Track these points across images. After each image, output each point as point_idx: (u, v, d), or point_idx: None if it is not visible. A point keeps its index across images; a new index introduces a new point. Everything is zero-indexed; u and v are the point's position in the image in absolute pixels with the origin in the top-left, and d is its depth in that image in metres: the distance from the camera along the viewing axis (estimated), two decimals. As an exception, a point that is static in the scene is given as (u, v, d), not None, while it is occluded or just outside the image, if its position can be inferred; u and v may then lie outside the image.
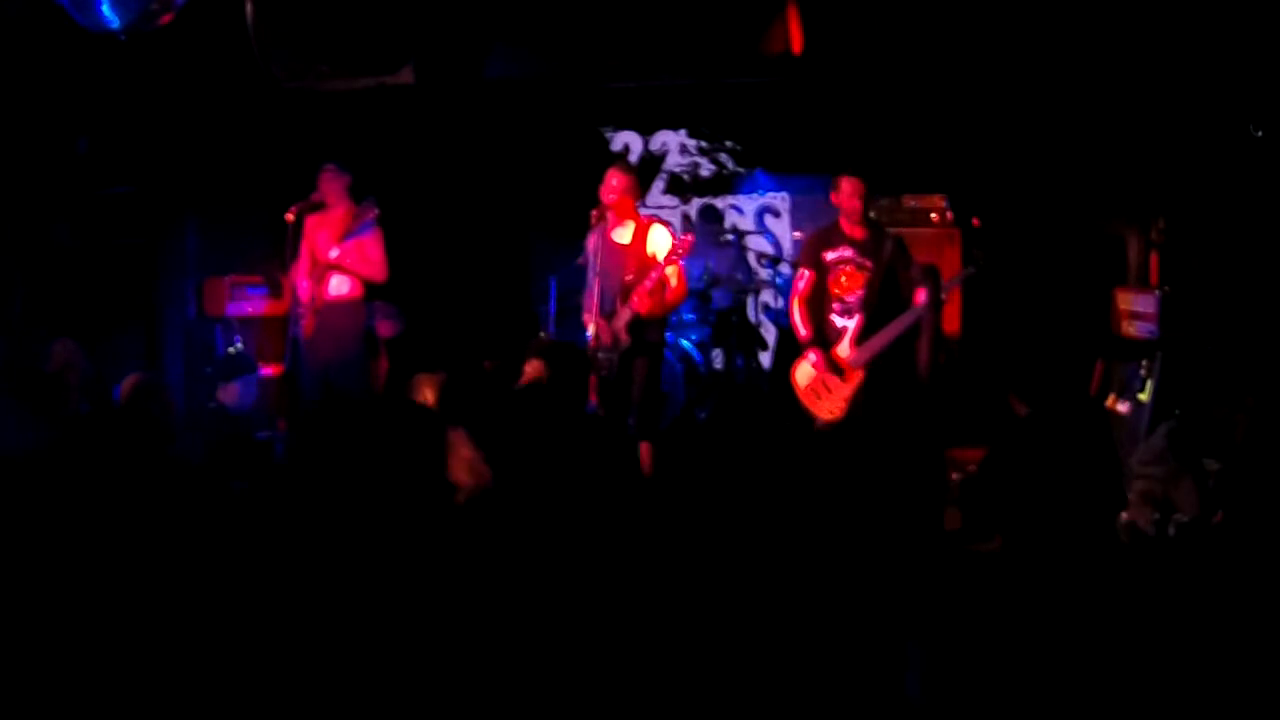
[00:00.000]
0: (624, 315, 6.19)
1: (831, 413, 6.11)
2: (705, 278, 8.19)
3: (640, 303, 6.09)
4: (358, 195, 6.97)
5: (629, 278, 6.19)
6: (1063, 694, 2.98)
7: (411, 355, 8.04)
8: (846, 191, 6.08)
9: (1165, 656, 3.01)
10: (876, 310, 6.04)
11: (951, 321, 7.09)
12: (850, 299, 6.11)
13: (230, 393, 7.10)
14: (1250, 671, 2.94)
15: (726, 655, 2.92)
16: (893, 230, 6.47)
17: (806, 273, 6.22)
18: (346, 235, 6.71)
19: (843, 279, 6.12)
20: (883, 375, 6.04)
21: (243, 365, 7.64)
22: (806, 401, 6.19)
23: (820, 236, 6.26)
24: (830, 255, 6.16)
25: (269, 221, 7.24)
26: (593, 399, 6.20)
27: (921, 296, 5.93)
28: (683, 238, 6.15)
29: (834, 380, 6.09)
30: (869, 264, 6.08)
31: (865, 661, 3.07)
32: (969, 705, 3.03)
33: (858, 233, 6.13)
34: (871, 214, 6.33)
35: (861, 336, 6.05)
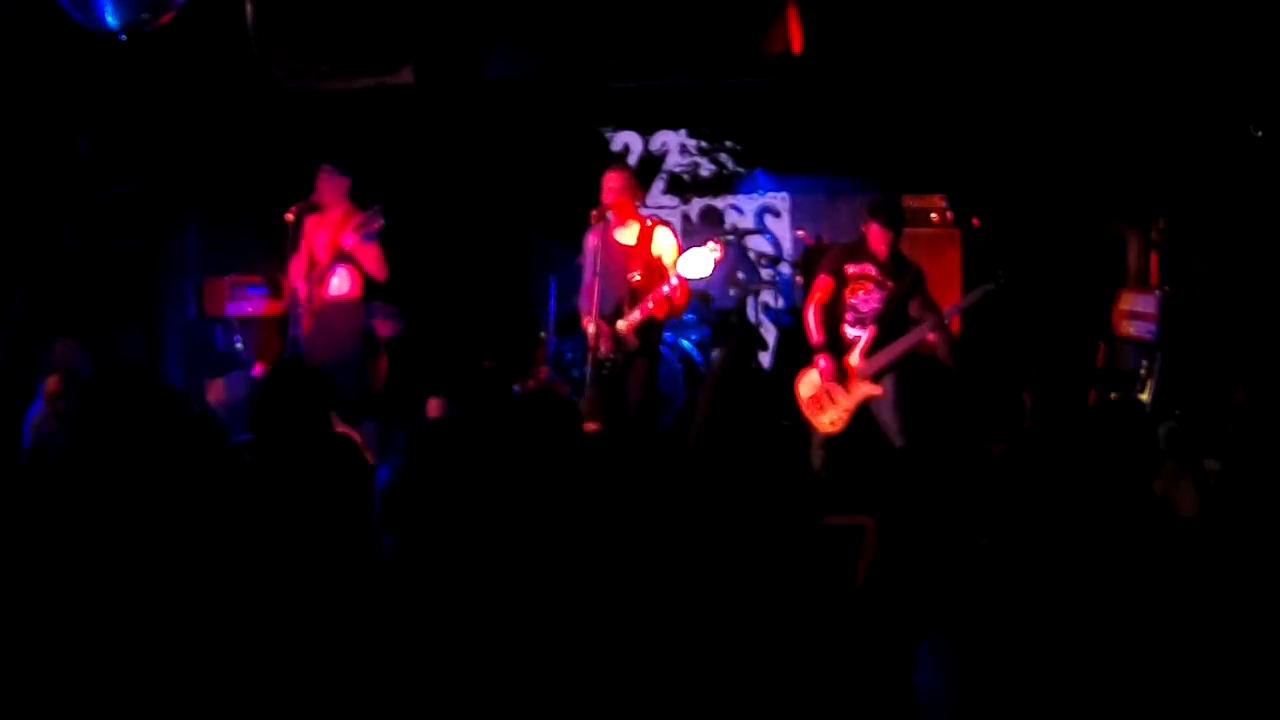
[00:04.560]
0: (634, 317, 6.17)
1: (834, 424, 6.09)
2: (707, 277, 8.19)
3: (658, 306, 6.09)
4: (360, 196, 6.96)
5: (636, 279, 6.18)
6: (1075, 691, 2.98)
7: (411, 355, 8.05)
8: (874, 237, 6.07)
9: (1175, 655, 3.01)
10: (890, 325, 6.05)
11: (951, 322, 7.09)
12: (865, 310, 6.11)
13: (216, 389, 7.13)
14: (1251, 670, 2.95)
15: (727, 655, 2.92)
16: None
17: (826, 281, 6.20)
18: (360, 236, 6.70)
19: (861, 292, 6.12)
20: (911, 379, 6.07)
21: (233, 362, 7.66)
22: (808, 413, 6.18)
23: (846, 250, 6.27)
24: (852, 269, 6.15)
25: (269, 221, 7.24)
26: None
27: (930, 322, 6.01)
28: (716, 245, 6.16)
29: (838, 391, 6.07)
30: (890, 284, 6.09)
31: (876, 659, 3.07)
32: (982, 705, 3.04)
33: (883, 255, 6.12)
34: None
35: (872, 348, 6.05)
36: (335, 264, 6.78)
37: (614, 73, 8.81)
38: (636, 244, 6.25)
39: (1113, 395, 6.75)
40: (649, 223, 6.35)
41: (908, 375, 6.08)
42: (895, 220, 6.12)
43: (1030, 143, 7.93)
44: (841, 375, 6.06)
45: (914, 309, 6.06)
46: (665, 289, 6.06)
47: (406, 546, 3.11)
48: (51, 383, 5.97)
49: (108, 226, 7.86)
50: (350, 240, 6.67)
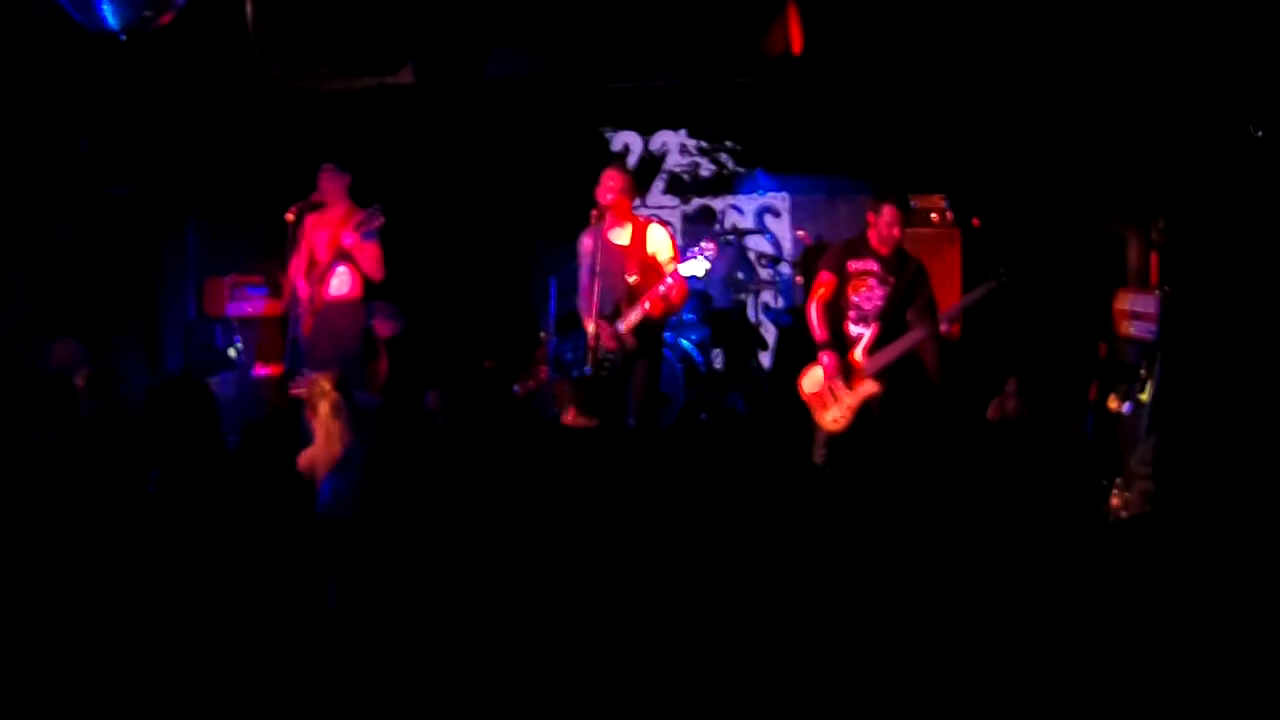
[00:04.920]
0: (632, 318, 6.16)
1: (836, 422, 6.09)
2: (704, 278, 8.20)
3: (655, 305, 6.09)
4: (359, 196, 6.97)
5: (633, 279, 6.17)
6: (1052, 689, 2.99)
7: (411, 355, 8.05)
8: (887, 219, 6.03)
9: (1161, 655, 3.02)
10: (892, 322, 6.03)
11: (954, 324, 7.09)
12: (868, 308, 6.09)
13: None
14: (1246, 668, 2.95)
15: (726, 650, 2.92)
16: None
17: (829, 278, 6.18)
18: (360, 234, 6.70)
19: (863, 289, 6.10)
20: (897, 384, 6.05)
21: (225, 363, 7.68)
22: (812, 411, 6.18)
23: (847, 246, 6.24)
24: (854, 265, 6.13)
25: (269, 221, 7.25)
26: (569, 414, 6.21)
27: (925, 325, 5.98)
28: (707, 244, 6.16)
29: (841, 388, 6.06)
30: (892, 279, 6.07)
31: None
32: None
33: (885, 250, 6.10)
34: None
35: (875, 346, 6.03)
36: (336, 263, 6.79)
37: (614, 73, 8.81)
38: (630, 243, 6.25)
39: (1112, 399, 6.74)
40: (642, 222, 6.36)
41: (896, 383, 6.07)
42: (905, 202, 6.12)
43: (1030, 143, 7.92)
44: (845, 373, 6.06)
45: (911, 314, 6.04)
46: (662, 288, 6.06)
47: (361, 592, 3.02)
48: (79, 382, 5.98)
49: (107, 226, 7.86)
50: (350, 239, 6.68)
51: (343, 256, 6.75)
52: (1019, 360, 7.14)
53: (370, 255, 6.82)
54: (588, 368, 6.24)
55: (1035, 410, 6.20)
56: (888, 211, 6.03)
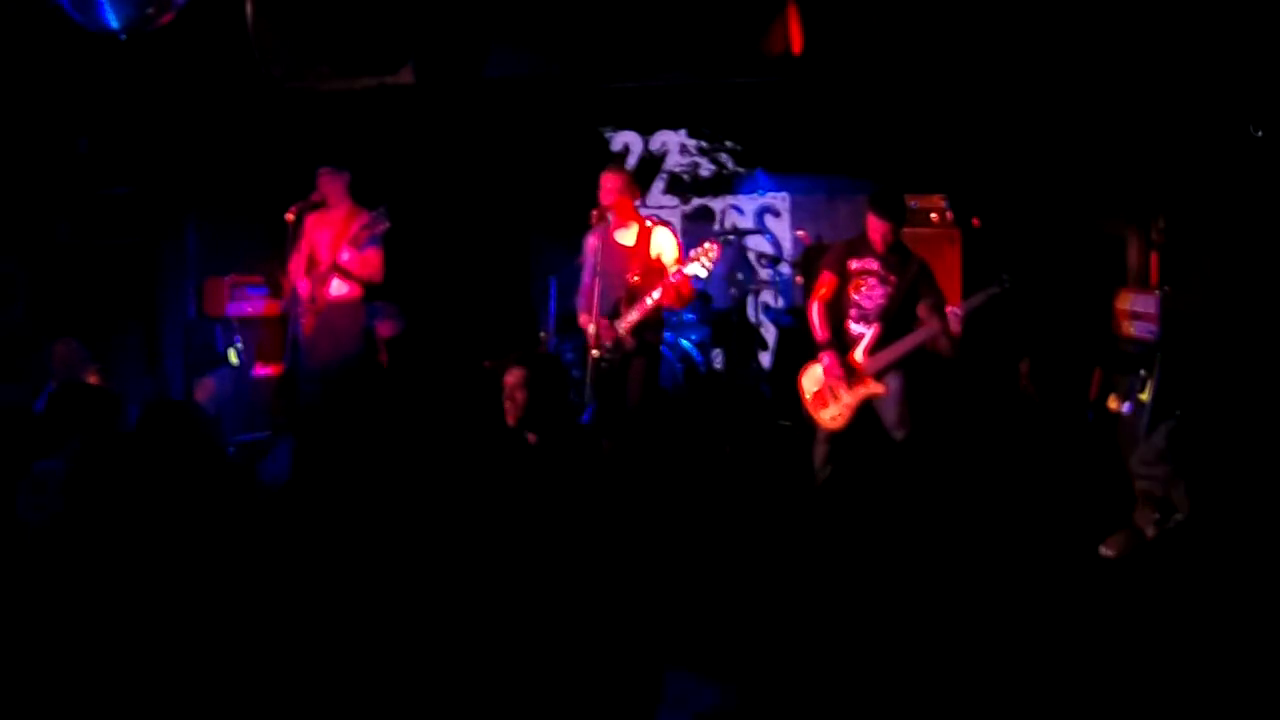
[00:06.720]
0: (631, 317, 6.17)
1: (835, 420, 6.10)
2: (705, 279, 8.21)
3: (665, 294, 6.09)
4: (360, 196, 6.97)
5: (634, 280, 6.18)
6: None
7: (411, 355, 8.06)
8: (872, 228, 6.03)
9: (1162, 658, 3.02)
10: (894, 322, 6.02)
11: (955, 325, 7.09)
12: (869, 307, 6.08)
13: (205, 388, 7.17)
14: (1246, 670, 2.95)
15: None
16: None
17: (830, 277, 6.17)
18: (359, 244, 6.71)
19: (864, 288, 6.10)
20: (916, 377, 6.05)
21: (220, 359, 7.70)
22: (811, 408, 6.18)
23: (848, 245, 6.24)
24: (855, 264, 6.12)
25: (269, 221, 7.25)
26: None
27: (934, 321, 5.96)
28: (711, 245, 6.15)
29: (842, 387, 6.06)
30: (893, 279, 6.06)
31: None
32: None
33: (880, 248, 6.10)
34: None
35: (876, 346, 6.03)
36: (334, 270, 6.82)
37: (614, 73, 8.81)
38: (635, 244, 6.26)
39: (1112, 399, 6.75)
40: (648, 224, 6.37)
41: (913, 374, 6.06)
42: (891, 211, 6.04)
43: (1030, 143, 7.92)
44: (845, 372, 6.06)
45: (922, 311, 6.03)
46: (656, 294, 6.07)
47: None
48: None
49: (107, 226, 7.87)
50: (345, 254, 6.69)
51: (336, 270, 6.77)
52: (1017, 360, 7.14)
53: (370, 262, 6.83)
54: (589, 366, 6.25)
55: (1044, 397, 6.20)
56: (871, 221, 6.02)
